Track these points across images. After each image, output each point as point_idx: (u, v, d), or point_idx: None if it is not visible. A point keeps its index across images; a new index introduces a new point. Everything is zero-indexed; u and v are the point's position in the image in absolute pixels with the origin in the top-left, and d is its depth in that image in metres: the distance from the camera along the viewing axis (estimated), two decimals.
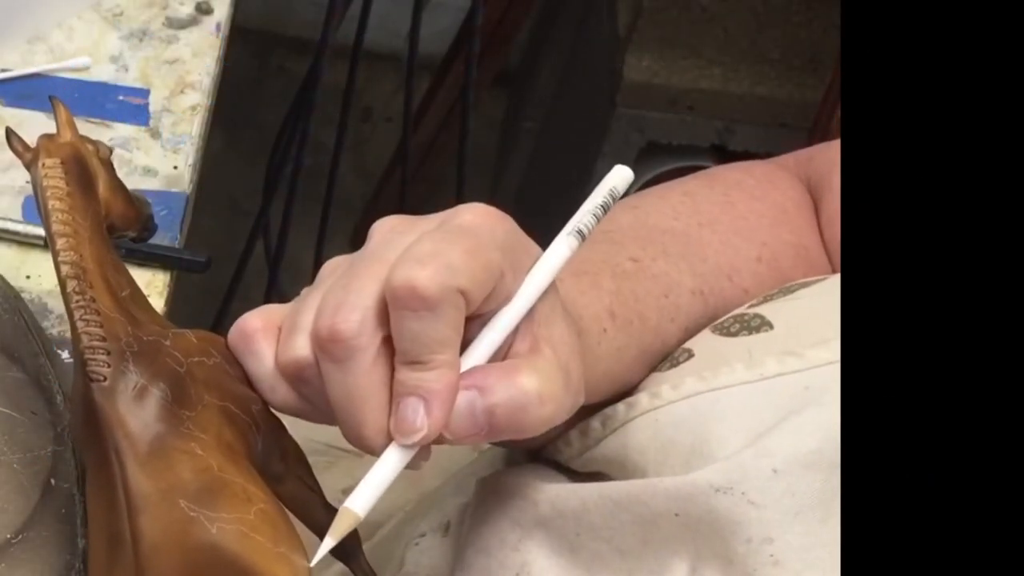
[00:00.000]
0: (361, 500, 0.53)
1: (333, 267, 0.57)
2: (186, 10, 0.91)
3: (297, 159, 1.46)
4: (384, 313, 0.53)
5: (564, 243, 0.57)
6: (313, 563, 0.53)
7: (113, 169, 0.62)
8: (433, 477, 0.78)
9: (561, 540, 0.62)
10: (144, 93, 0.87)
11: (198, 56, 0.89)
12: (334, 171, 1.55)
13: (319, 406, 0.56)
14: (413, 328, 0.52)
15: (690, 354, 0.64)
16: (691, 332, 0.66)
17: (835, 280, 0.65)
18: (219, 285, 1.54)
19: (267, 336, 0.56)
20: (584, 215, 0.58)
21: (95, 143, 0.62)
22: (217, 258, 0.82)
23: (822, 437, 0.57)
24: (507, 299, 0.55)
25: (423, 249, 0.53)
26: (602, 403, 0.64)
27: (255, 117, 1.99)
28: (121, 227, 0.63)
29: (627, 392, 0.64)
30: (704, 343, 0.65)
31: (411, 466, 0.54)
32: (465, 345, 0.55)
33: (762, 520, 0.57)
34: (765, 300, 0.65)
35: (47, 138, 0.60)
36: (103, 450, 0.53)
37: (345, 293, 0.53)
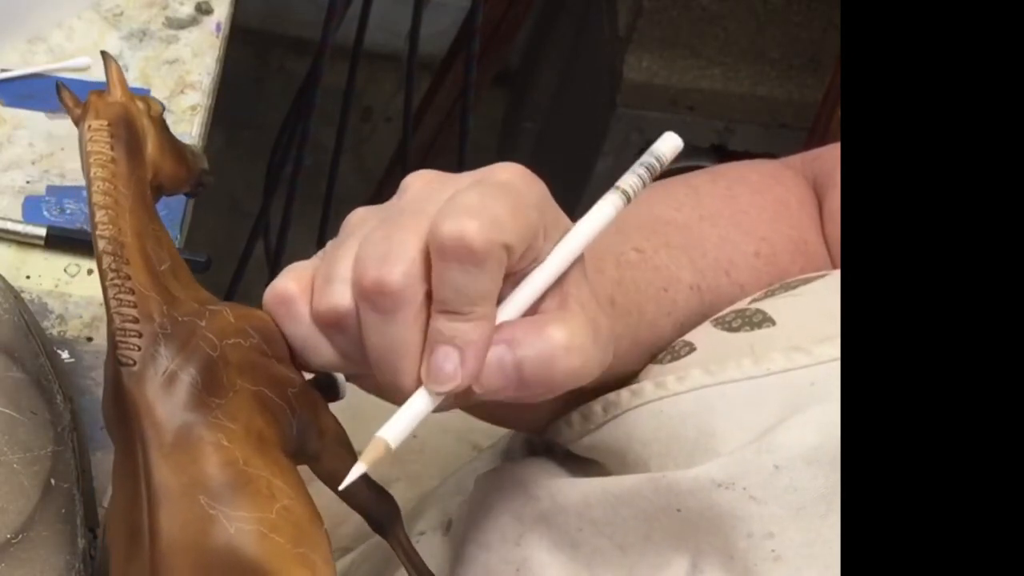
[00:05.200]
0: (393, 432, 0.53)
1: (362, 218, 0.56)
2: (186, 10, 0.91)
3: (297, 159, 1.46)
4: (427, 265, 0.53)
5: (609, 202, 0.57)
6: (343, 487, 0.53)
7: (165, 127, 0.61)
8: (433, 476, 0.78)
9: (562, 535, 0.63)
10: (144, 93, 0.86)
11: (198, 56, 0.89)
12: (334, 171, 1.55)
13: (351, 355, 0.56)
14: (457, 279, 0.52)
15: (691, 347, 0.64)
16: (684, 327, 0.66)
17: (836, 276, 0.65)
18: (219, 285, 1.54)
19: (305, 297, 0.56)
20: (630, 176, 0.57)
21: (146, 100, 0.61)
22: (217, 258, 0.82)
23: (825, 433, 0.57)
24: (536, 260, 0.55)
25: (470, 201, 0.52)
26: (600, 389, 0.64)
27: (255, 117, 1.99)
28: (170, 188, 0.62)
29: (629, 380, 0.64)
30: (705, 336, 0.65)
31: (439, 409, 0.54)
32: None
33: (763, 516, 0.57)
34: (766, 296, 0.66)
35: (97, 95, 0.59)
36: (130, 436, 0.53)
37: (388, 244, 0.53)
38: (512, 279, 0.54)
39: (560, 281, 0.55)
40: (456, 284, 0.52)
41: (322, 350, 0.56)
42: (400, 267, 0.52)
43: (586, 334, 0.54)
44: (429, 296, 0.53)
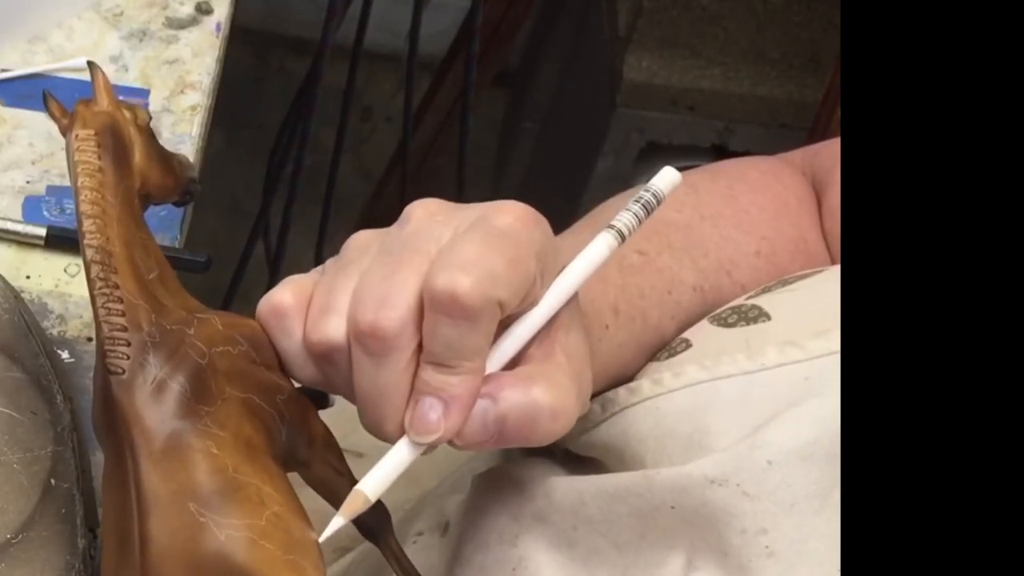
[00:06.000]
0: (372, 483, 0.54)
1: (363, 245, 0.56)
2: (186, 10, 0.91)
3: (297, 159, 1.46)
4: (422, 311, 0.53)
5: (603, 241, 0.56)
6: (322, 539, 0.53)
7: (152, 136, 0.61)
8: (431, 477, 0.78)
9: (559, 534, 0.63)
10: (144, 93, 0.86)
11: (198, 56, 0.89)
12: (334, 171, 1.54)
13: (338, 386, 0.56)
14: (448, 334, 0.52)
15: (688, 344, 0.64)
16: (687, 328, 0.66)
17: (832, 271, 0.66)
18: (219, 285, 1.54)
19: (300, 313, 0.56)
20: (625, 214, 0.57)
21: (133, 109, 0.61)
22: (217, 258, 0.82)
23: (819, 428, 0.58)
24: (532, 305, 0.55)
25: (467, 254, 0.52)
26: (599, 389, 0.64)
27: (255, 117, 1.99)
28: (158, 197, 0.62)
29: (626, 378, 0.64)
30: (702, 333, 0.65)
31: (425, 452, 0.54)
32: None
33: (756, 512, 0.57)
34: (763, 291, 0.66)
35: (84, 105, 0.59)
36: (119, 444, 0.53)
37: (387, 286, 0.53)
38: (504, 322, 0.54)
39: (549, 325, 0.55)
40: (447, 339, 0.52)
41: (310, 370, 0.56)
42: (396, 312, 0.52)
43: (569, 393, 0.54)
44: (422, 344, 0.53)
